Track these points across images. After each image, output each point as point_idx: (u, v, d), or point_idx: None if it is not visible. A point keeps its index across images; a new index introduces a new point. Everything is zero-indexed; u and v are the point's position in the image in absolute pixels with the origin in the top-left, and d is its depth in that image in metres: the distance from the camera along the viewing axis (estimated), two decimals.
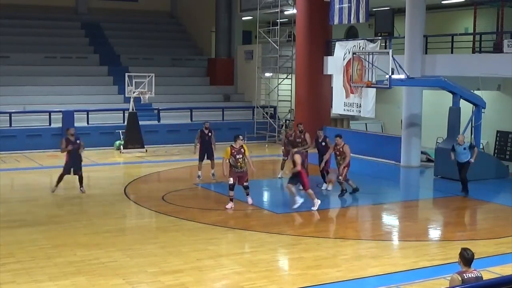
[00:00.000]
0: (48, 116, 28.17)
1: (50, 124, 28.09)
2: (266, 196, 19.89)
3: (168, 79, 33.26)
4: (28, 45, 33.80)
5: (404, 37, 24.21)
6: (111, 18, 37.79)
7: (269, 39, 32.14)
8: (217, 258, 12.39)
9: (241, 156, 16.44)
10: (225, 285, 11.35)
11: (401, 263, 12.38)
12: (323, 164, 19.11)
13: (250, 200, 16.91)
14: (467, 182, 18.86)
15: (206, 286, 11.20)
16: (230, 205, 16.56)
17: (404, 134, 24.37)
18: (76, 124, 27.60)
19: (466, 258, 7.70)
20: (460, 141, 18.84)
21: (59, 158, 25.35)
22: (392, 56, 20.96)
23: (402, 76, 21.33)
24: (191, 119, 30.88)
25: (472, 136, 22.13)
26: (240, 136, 16.74)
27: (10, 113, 27.79)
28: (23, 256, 12.43)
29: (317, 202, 16.70)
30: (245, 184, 16.67)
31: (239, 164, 16.41)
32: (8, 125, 27.63)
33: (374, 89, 24.16)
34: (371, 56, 22.71)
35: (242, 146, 16.55)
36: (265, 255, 12.62)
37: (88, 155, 23.75)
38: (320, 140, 19.73)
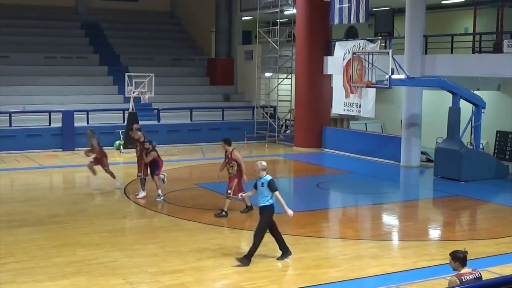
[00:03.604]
0: (48, 116, 28.17)
1: (50, 124, 28.08)
2: None
3: (168, 79, 33.26)
4: (28, 45, 33.78)
5: (404, 37, 24.21)
6: (111, 18, 37.78)
7: (269, 39, 32.13)
8: (217, 258, 12.40)
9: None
10: (225, 285, 11.37)
11: (401, 263, 12.40)
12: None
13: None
14: None
15: (206, 286, 11.21)
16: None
17: (404, 134, 24.38)
18: (76, 124, 27.67)
19: (462, 257, 7.67)
20: None
21: (59, 158, 25.50)
22: (392, 56, 20.97)
23: (402, 76, 21.34)
24: (191, 119, 30.88)
25: (472, 136, 22.15)
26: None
27: (10, 113, 27.78)
28: (23, 256, 12.44)
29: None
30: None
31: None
32: (8, 125, 27.62)
33: (374, 89, 24.16)
34: (371, 56, 22.72)
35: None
36: (265, 254, 12.62)
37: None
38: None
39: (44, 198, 18.26)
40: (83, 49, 35.37)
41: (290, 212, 12.31)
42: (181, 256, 12.50)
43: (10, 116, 27.71)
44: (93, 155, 19.27)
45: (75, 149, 26.92)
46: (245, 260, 11.92)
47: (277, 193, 12.07)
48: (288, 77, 32.34)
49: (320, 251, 13.18)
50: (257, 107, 32.71)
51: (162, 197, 17.61)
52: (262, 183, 12.08)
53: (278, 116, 32.90)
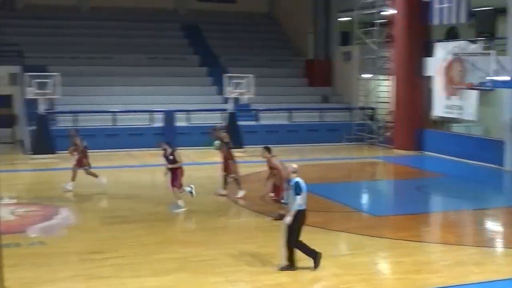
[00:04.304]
0: (150, 116, 28.88)
1: (152, 124, 28.79)
2: (365, 198, 19.74)
3: (266, 80, 33.45)
4: (131, 46, 34.73)
5: (507, 38, 23.47)
6: (209, 20, 38.34)
7: (367, 40, 31.84)
8: None
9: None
10: (323, 287, 11.34)
11: (506, 271, 12.03)
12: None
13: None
14: None
15: (303, 287, 11.22)
16: None
17: (509, 137, 23.64)
18: (177, 124, 28.25)
19: None
20: None
21: (160, 157, 26.01)
22: (495, 57, 20.38)
23: (508, 78, 20.71)
24: (290, 120, 30.97)
25: None
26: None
27: (114, 112, 28.67)
28: (126, 252, 12.82)
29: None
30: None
31: None
32: (112, 124, 28.50)
33: (476, 91, 23.55)
34: (472, 57, 22.14)
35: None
36: (364, 258, 12.54)
37: (188, 154, 24.16)
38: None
39: (147, 195, 18.71)
40: (183, 50, 36.05)
41: (288, 220, 11.62)
42: (280, 256, 12.54)
43: (114, 116, 28.60)
44: (77, 155, 19.21)
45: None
46: (288, 266, 11.73)
47: (298, 197, 11.55)
48: (387, 78, 31.94)
49: (420, 256, 12.96)
50: (355, 109, 32.48)
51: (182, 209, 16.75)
52: (291, 187, 11.88)
53: (377, 118, 32.56)
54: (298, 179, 11.66)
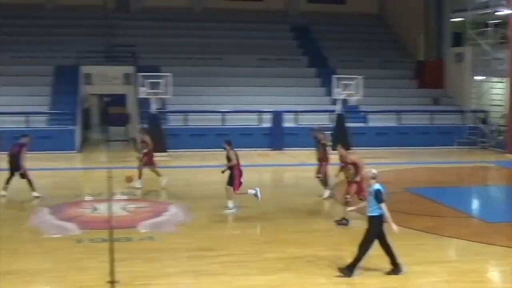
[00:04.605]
0: (259, 116, 29.15)
1: (260, 124, 29.04)
2: (476, 203, 19.20)
3: (375, 81, 33.11)
4: (241, 47, 35.16)
5: None
6: (319, 21, 38.30)
7: (481, 41, 30.94)
8: (425, 265, 12.15)
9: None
10: None
11: None
12: None
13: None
14: None
15: None
16: None
17: None
18: (285, 125, 28.41)
19: None
20: None
21: (269, 157, 26.24)
22: None
23: None
24: (399, 122, 30.52)
25: None
26: None
27: (224, 112, 29.11)
28: (236, 249, 13.00)
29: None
30: None
31: None
32: (222, 124, 28.95)
33: None
34: None
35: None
36: (475, 265, 12.19)
37: (296, 155, 24.25)
38: None
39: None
40: (293, 51, 36.20)
41: (394, 227, 11.35)
42: (387, 259, 12.36)
43: (223, 116, 29.04)
44: (145, 150, 19.70)
45: (283, 149, 27.58)
46: (347, 271, 11.37)
47: (383, 205, 11.23)
48: (501, 81, 30.95)
49: None
50: (467, 112, 31.64)
51: (232, 210, 16.64)
52: (371, 192, 11.54)
53: (490, 121, 31.61)
54: (378, 186, 11.42)
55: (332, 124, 28.12)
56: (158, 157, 25.87)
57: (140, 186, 19.46)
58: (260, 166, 23.82)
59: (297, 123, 29.48)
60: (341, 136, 27.22)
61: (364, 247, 11.37)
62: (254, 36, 36.48)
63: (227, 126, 29.05)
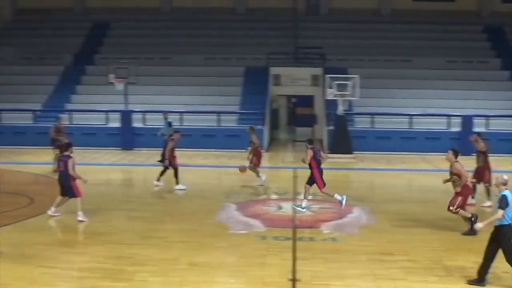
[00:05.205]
0: (447, 120, 28.48)
1: (449, 128, 28.36)
2: None
3: None
4: (430, 49, 34.50)
5: None
6: None
7: None
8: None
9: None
10: None
11: None
12: None
13: None
14: None
15: None
16: None
17: None
18: (475, 129, 27.45)
19: None
20: None
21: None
22: None
23: None
24: None
25: None
26: None
27: (411, 115, 28.75)
28: (417, 255, 12.83)
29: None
30: None
31: None
32: (408, 127, 28.61)
33: None
34: None
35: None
36: None
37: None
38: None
39: (438, 200, 18.26)
40: (485, 53, 34.96)
41: (479, 225, 11.40)
42: (452, 269, 11.94)
43: (410, 118, 28.69)
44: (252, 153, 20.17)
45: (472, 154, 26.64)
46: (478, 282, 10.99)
47: (500, 211, 10.65)
48: None
49: None
50: None
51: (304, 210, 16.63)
52: (498, 199, 10.78)
53: None
54: (506, 192, 10.91)
55: None
56: (343, 158, 26.28)
57: (263, 183, 20.14)
58: (446, 172, 23.17)
59: (488, 128, 28.39)
60: None
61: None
62: (444, 38, 35.64)
63: (414, 129, 28.63)
